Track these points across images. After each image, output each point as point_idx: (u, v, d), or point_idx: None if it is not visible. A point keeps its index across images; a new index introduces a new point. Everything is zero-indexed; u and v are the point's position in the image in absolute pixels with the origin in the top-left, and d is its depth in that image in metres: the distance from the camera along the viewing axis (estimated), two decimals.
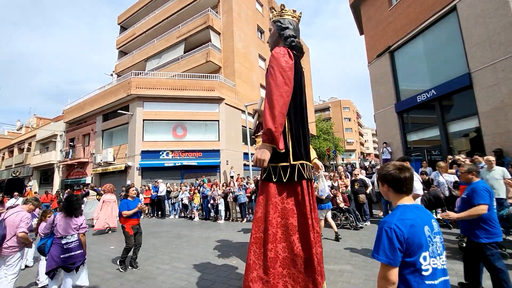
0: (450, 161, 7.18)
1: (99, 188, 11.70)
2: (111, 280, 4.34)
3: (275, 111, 2.42)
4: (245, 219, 9.91)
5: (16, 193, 8.83)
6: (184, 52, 20.19)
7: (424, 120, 10.69)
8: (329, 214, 6.23)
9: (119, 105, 17.93)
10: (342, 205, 7.15)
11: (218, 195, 10.16)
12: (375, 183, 8.26)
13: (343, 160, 46.83)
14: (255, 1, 23.28)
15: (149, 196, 12.78)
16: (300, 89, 2.76)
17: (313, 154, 4.43)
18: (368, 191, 7.69)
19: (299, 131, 2.69)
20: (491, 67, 7.69)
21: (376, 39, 12.38)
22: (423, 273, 1.35)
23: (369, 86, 12.93)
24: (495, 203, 2.98)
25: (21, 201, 8.07)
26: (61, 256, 3.27)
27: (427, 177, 7.34)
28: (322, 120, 42.95)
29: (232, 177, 15.49)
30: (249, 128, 16.39)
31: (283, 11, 2.97)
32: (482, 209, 2.85)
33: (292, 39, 2.81)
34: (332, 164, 33.60)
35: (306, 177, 2.61)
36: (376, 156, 67.88)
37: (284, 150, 2.54)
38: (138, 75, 18.34)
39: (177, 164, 16.37)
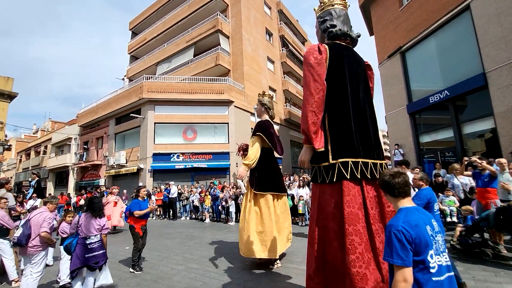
0: (466, 162, 7.04)
1: (108, 191, 11.98)
2: (128, 279, 4.46)
3: (306, 110, 2.42)
4: None
5: (34, 195, 9.13)
6: (194, 56, 20.49)
7: (437, 121, 10.50)
8: None
9: (131, 108, 18.33)
10: None
11: (229, 197, 10.24)
12: None
13: None
14: (263, 4, 23.43)
15: (161, 198, 12.99)
16: (351, 79, 2.54)
17: (247, 159, 4.66)
18: None
19: (347, 126, 2.45)
20: (506, 67, 7.52)
21: (386, 40, 12.26)
22: (431, 270, 1.42)
23: (379, 88, 12.82)
24: (436, 207, 3.21)
25: (39, 202, 8.39)
26: (86, 256, 3.40)
27: (441, 179, 7.21)
28: None
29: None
30: None
31: (322, 3, 2.87)
32: None
33: (331, 29, 2.68)
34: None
35: (356, 175, 2.33)
36: (388, 157, 66.82)
37: (323, 149, 2.43)
38: (149, 79, 18.72)
39: (187, 167, 16.58)
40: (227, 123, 17.52)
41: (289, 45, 25.47)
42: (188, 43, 20.80)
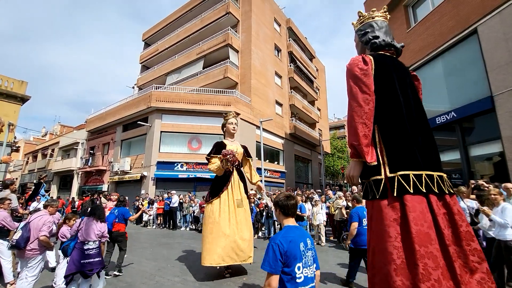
0: (472, 186, 6.90)
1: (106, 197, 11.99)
2: None
3: (355, 123, 2.24)
4: (256, 235, 9.78)
5: (38, 197, 9.20)
6: (203, 68, 20.95)
7: (443, 142, 10.39)
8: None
9: (139, 116, 18.63)
10: None
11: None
12: None
13: None
14: (273, 21, 24.08)
15: (162, 206, 12.94)
16: (402, 88, 2.41)
17: (255, 177, 5.94)
18: None
19: (404, 136, 2.24)
20: None
21: None
22: (297, 280, 1.67)
23: None
24: (365, 222, 3.79)
25: (42, 204, 8.42)
26: (81, 261, 3.36)
27: None
28: (336, 138, 42.37)
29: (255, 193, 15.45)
30: (263, 144, 16.51)
31: (361, 17, 2.83)
32: (353, 226, 4.31)
33: (374, 40, 2.61)
34: (347, 183, 32.88)
35: (421, 189, 2.03)
36: None
37: (376, 163, 2.21)
38: (158, 88, 19.12)
39: (190, 176, 16.59)
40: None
41: (297, 61, 25.92)
42: (198, 56, 21.34)
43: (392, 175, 2.10)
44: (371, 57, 2.41)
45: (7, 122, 14.18)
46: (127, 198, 11.25)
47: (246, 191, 5.47)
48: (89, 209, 3.77)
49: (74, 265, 3.33)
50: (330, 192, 8.80)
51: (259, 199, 10.47)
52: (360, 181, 2.38)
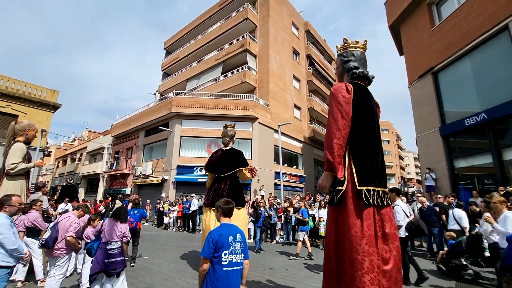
0: (502, 192, 6.41)
1: (127, 199, 12.39)
2: None
3: (332, 143, 2.70)
4: (274, 241, 9.69)
5: (66, 199, 9.71)
6: (222, 73, 21.30)
7: (474, 145, 9.78)
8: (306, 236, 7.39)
9: (160, 122, 19.23)
10: None
11: (249, 213, 10.13)
12: (415, 211, 7.66)
13: None
14: (291, 25, 24.06)
15: (181, 210, 13.18)
16: (370, 116, 2.92)
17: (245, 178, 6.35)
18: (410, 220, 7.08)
19: (365, 157, 2.79)
20: None
21: (417, 60, 11.91)
22: (223, 262, 2.25)
23: (409, 108, 12.32)
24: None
25: (70, 206, 8.87)
26: (105, 261, 3.49)
27: (477, 209, 6.60)
28: None
29: (262, 196, 15.40)
30: (282, 148, 16.40)
31: (346, 44, 3.20)
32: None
33: (354, 70, 3.02)
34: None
35: (373, 202, 2.65)
36: (419, 182, 62.74)
37: (343, 178, 2.75)
38: (178, 94, 19.67)
39: (199, 180, 16.79)
40: (251, 139, 17.69)
41: (316, 64, 25.66)
42: (217, 61, 21.74)
43: (360, 188, 2.66)
44: (352, 87, 2.86)
45: (40, 129, 15.18)
46: (140, 200, 11.74)
47: (239, 200, 5.79)
48: (111, 211, 3.90)
49: (98, 265, 3.46)
50: None
51: (278, 204, 10.38)
52: (329, 190, 2.85)
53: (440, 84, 10.93)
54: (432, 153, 10.92)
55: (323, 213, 8.40)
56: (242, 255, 2.39)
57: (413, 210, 7.66)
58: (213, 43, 22.87)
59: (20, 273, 4.79)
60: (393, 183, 51.44)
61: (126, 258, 4.87)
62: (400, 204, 4.94)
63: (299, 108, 22.89)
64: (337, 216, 2.80)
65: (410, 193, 14.67)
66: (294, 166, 21.70)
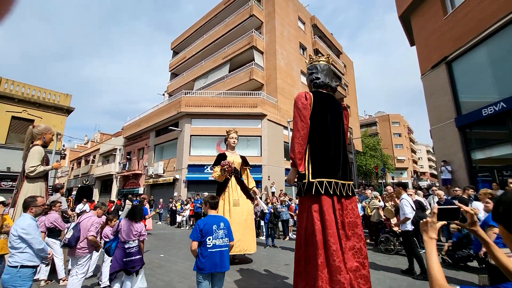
0: (511, 185, 6.21)
1: (137, 199, 12.61)
2: (162, 287, 4.55)
3: (294, 142, 3.27)
4: (287, 237, 9.67)
5: (84, 200, 9.96)
6: (229, 72, 21.31)
7: (492, 136, 9.45)
8: None
9: (170, 122, 19.42)
10: (396, 228, 6.56)
11: (260, 211, 10.14)
12: (432, 204, 7.49)
13: (393, 178, 43.13)
14: (297, 20, 23.79)
15: (193, 208, 13.31)
16: (331, 117, 3.42)
17: (251, 184, 6.97)
18: (427, 213, 6.96)
19: (323, 154, 3.30)
20: None
21: (429, 50, 11.56)
22: (207, 245, 2.84)
23: (421, 100, 12.01)
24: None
25: (87, 206, 9.09)
26: (124, 260, 3.56)
27: None
28: (368, 135, 40.45)
29: (273, 193, 15.38)
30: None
31: (311, 59, 3.85)
32: None
33: (315, 80, 3.61)
34: (381, 183, 31.24)
35: (330, 192, 3.15)
36: (433, 175, 61.39)
37: (303, 172, 3.26)
38: (187, 94, 19.79)
39: (210, 179, 16.87)
40: (260, 136, 17.66)
41: None
42: (224, 60, 21.75)
43: (312, 180, 3.17)
44: (311, 94, 3.42)
45: (55, 132, 15.59)
46: (146, 200, 11.87)
47: (247, 194, 6.55)
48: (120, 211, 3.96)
49: (117, 263, 3.53)
50: (368, 192, 8.40)
51: (290, 200, 10.34)
52: (296, 183, 3.40)
53: (454, 73, 10.59)
54: (447, 145, 10.62)
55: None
56: (227, 239, 3.00)
57: (430, 204, 7.50)
58: (220, 42, 22.87)
59: (43, 272, 4.94)
60: (405, 177, 50.44)
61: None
62: (407, 198, 5.05)
63: None
64: (304, 205, 3.33)
65: (425, 186, 14.38)
66: None
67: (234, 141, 6.97)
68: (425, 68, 11.82)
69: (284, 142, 18.64)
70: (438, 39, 11.04)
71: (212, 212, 3.13)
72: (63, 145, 13.79)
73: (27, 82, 18.52)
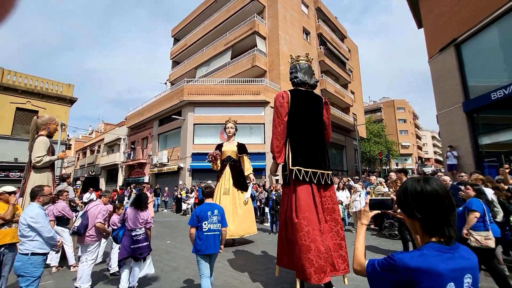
0: (507, 170, 6.15)
1: (139, 187, 12.79)
2: (169, 272, 4.66)
3: (272, 138, 3.71)
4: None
5: (91, 189, 10.12)
6: (231, 59, 20.96)
7: (500, 121, 9.26)
8: None
9: (173, 110, 19.37)
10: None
11: (265, 198, 10.21)
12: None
13: (397, 165, 42.96)
14: (300, 3, 23.09)
15: (197, 196, 13.47)
16: (308, 112, 3.75)
17: (248, 170, 7.15)
18: None
19: (301, 146, 3.66)
20: None
21: (438, 32, 11.18)
22: (203, 229, 3.18)
23: (427, 86, 11.74)
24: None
25: (94, 195, 9.23)
26: (131, 247, 3.63)
27: (506, 187, 6.32)
28: (372, 121, 39.94)
29: (277, 180, 15.44)
30: None
31: (292, 59, 4.14)
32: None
33: (294, 79, 3.91)
34: (385, 169, 31.17)
35: (306, 180, 3.50)
36: (437, 161, 61.09)
37: (283, 163, 3.71)
38: (189, 82, 19.60)
39: None
40: (263, 124, 17.57)
41: (327, 42, 24.74)
42: (226, 46, 21.36)
43: (292, 168, 3.53)
44: (289, 93, 3.71)
45: (60, 123, 15.66)
46: (149, 188, 12.01)
47: (239, 184, 6.90)
48: (121, 201, 4.01)
49: (125, 251, 3.60)
50: (372, 178, 8.38)
51: None
52: (283, 174, 3.80)
53: (463, 56, 10.27)
54: (454, 130, 10.46)
55: (341, 195, 8.33)
56: (219, 224, 3.31)
57: None
58: (221, 28, 22.39)
59: (54, 259, 5.08)
60: (410, 163, 50.24)
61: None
62: None
63: None
64: (285, 193, 3.82)
65: (430, 172, 14.29)
66: None
67: (229, 131, 7.33)
68: (432, 51, 11.48)
69: None
70: (447, 20, 10.66)
71: (208, 200, 3.44)
72: (68, 135, 13.87)
73: (30, 73, 18.47)
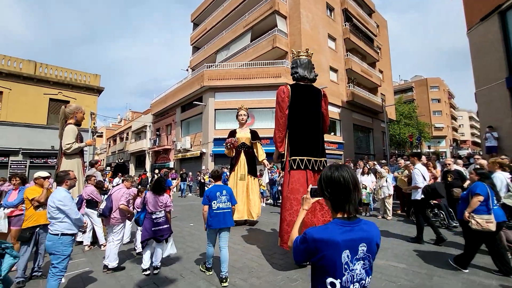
0: None
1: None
2: (192, 253, 4.80)
3: (275, 129, 4.20)
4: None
5: (120, 174, 10.71)
6: (251, 41, 20.46)
7: None
8: None
9: (194, 97, 19.56)
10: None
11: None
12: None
13: (429, 148, 40.39)
14: None
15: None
16: (307, 106, 4.19)
17: (261, 156, 7.38)
18: (466, 185, 6.42)
19: (299, 136, 4.15)
20: None
21: (478, 0, 9.94)
22: (213, 207, 3.60)
23: (465, 63, 10.63)
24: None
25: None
26: (152, 229, 3.78)
27: None
28: (402, 102, 37.40)
29: None
30: None
31: (293, 54, 4.54)
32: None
33: (294, 75, 4.34)
34: (416, 153, 29.43)
35: (301, 167, 4.07)
36: (475, 143, 56.78)
37: (283, 152, 4.23)
38: (209, 67, 19.55)
39: None
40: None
41: (353, 18, 23.18)
42: (245, 28, 20.83)
43: (289, 158, 4.06)
44: (289, 88, 4.13)
45: (89, 112, 16.48)
46: (172, 172, 12.33)
47: (252, 170, 7.24)
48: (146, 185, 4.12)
49: (147, 232, 3.74)
50: (402, 161, 7.92)
51: None
52: (281, 161, 4.43)
53: (509, 26, 9.09)
54: (495, 109, 9.48)
55: (366, 179, 8.00)
56: (229, 203, 3.73)
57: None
58: (240, 9, 21.77)
59: (86, 239, 5.45)
60: (443, 145, 47.18)
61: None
62: (420, 168, 5.20)
63: (335, 71, 21.37)
64: (284, 178, 4.27)
65: (466, 155, 13.24)
66: (332, 133, 20.89)
67: (242, 118, 7.54)
68: (472, 20, 10.29)
69: None
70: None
71: (217, 182, 3.85)
72: (94, 123, 14.60)
73: (60, 65, 19.40)
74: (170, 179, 10.39)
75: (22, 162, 14.80)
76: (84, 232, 5.29)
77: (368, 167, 8.69)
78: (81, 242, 5.50)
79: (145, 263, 3.81)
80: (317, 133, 4.20)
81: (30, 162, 15.06)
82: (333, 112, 20.61)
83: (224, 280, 3.44)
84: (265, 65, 17.62)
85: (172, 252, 4.05)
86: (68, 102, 15.49)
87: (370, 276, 1.18)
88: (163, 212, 3.89)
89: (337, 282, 1.11)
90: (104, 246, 5.19)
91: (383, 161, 11.61)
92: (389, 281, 3.44)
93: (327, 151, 20.44)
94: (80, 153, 6.52)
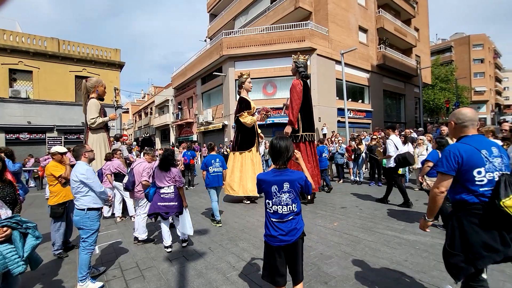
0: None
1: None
2: (215, 230, 4.70)
3: (293, 111, 5.97)
4: (341, 180, 9.28)
5: (146, 148, 10.91)
6: (271, 2, 18.95)
7: None
8: None
9: (214, 67, 18.97)
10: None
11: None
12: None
13: None
14: None
15: None
16: (307, 97, 6.16)
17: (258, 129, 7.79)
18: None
19: (304, 119, 6.09)
20: None
21: None
22: (209, 172, 5.06)
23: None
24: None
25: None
26: (158, 204, 3.62)
27: None
28: (439, 64, 33.78)
29: (324, 134, 14.60)
30: (345, 81, 14.58)
31: (298, 56, 6.32)
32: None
33: (304, 73, 6.17)
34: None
35: (308, 140, 6.13)
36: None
37: (297, 128, 6.03)
38: (228, 35, 18.58)
39: (268, 122, 16.54)
40: (309, 74, 16.16)
41: None
42: None
43: (302, 133, 6.09)
44: (302, 83, 6.05)
45: (113, 87, 16.67)
46: (203, 145, 12.59)
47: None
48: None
49: (152, 207, 3.66)
50: (444, 128, 7.09)
51: (338, 141, 9.57)
52: (294, 135, 6.04)
53: None
54: None
55: (403, 149, 7.33)
56: (221, 168, 5.04)
57: None
58: None
59: (118, 210, 5.57)
60: (483, 111, 43.19)
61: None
62: (393, 139, 5.78)
63: (365, 31, 19.44)
64: (302, 147, 6.00)
65: (510, 121, 11.71)
66: (360, 100, 19.62)
67: (251, 86, 7.69)
68: None
69: (337, 79, 16.84)
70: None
71: (211, 152, 5.26)
72: (117, 99, 14.77)
73: (82, 42, 19.45)
74: (193, 150, 10.59)
75: (58, 138, 15.61)
76: (111, 206, 5.37)
77: (404, 135, 7.94)
78: (113, 214, 5.65)
79: (166, 240, 3.71)
80: (312, 114, 6.37)
81: (65, 138, 15.84)
82: (361, 77, 19.13)
83: (220, 222, 4.79)
84: (288, 28, 16.33)
85: (188, 233, 3.68)
86: None
87: (296, 204, 1.92)
88: (172, 187, 3.67)
89: (271, 201, 1.93)
90: (134, 217, 5.27)
91: (421, 129, 10.65)
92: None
93: (354, 120, 19.14)
94: (105, 127, 6.52)
